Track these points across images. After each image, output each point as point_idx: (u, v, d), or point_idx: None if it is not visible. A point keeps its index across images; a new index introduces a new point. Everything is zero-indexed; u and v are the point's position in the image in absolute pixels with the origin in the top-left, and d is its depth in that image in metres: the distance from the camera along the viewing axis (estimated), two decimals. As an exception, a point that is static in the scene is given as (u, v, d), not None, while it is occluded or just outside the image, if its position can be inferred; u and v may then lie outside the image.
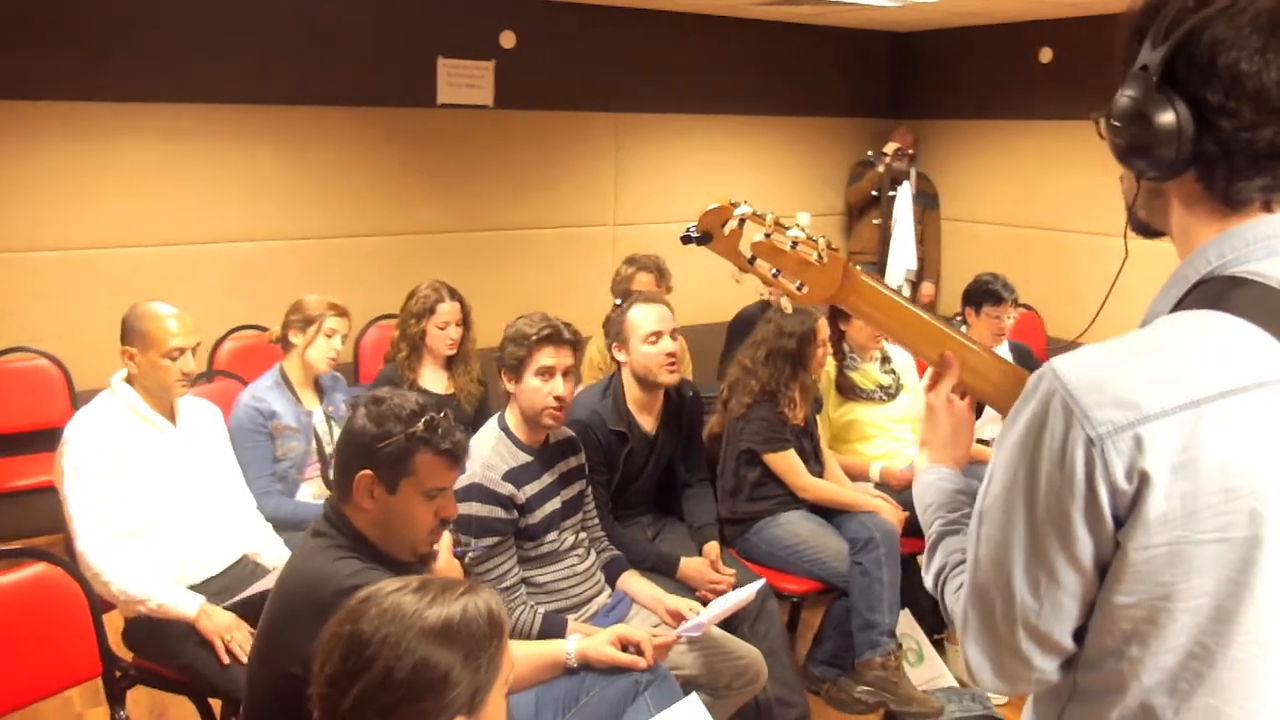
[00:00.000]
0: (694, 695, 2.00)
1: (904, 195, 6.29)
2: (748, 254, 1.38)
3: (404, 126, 5.11)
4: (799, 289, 1.38)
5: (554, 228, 5.68)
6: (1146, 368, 0.96)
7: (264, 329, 4.41)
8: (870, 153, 6.41)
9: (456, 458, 1.90)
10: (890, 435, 3.75)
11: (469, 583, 1.33)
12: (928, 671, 3.42)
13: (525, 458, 2.67)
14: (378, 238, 5.14)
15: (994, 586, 1.04)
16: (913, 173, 6.35)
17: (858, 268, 1.39)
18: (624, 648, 2.23)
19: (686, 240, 1.38)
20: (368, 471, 1.82)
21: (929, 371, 1.43)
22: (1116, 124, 1.03)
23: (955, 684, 3.44)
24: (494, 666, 1.26)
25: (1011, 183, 6.29)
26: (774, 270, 1.37)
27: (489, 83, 5.29)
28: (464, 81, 5.21)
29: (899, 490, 3.52)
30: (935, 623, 3.68)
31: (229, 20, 4.59)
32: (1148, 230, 1.14)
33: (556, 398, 2.61)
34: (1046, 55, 5.91)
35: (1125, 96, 1.02)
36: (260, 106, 4.73)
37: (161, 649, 2.61)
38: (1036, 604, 1.01)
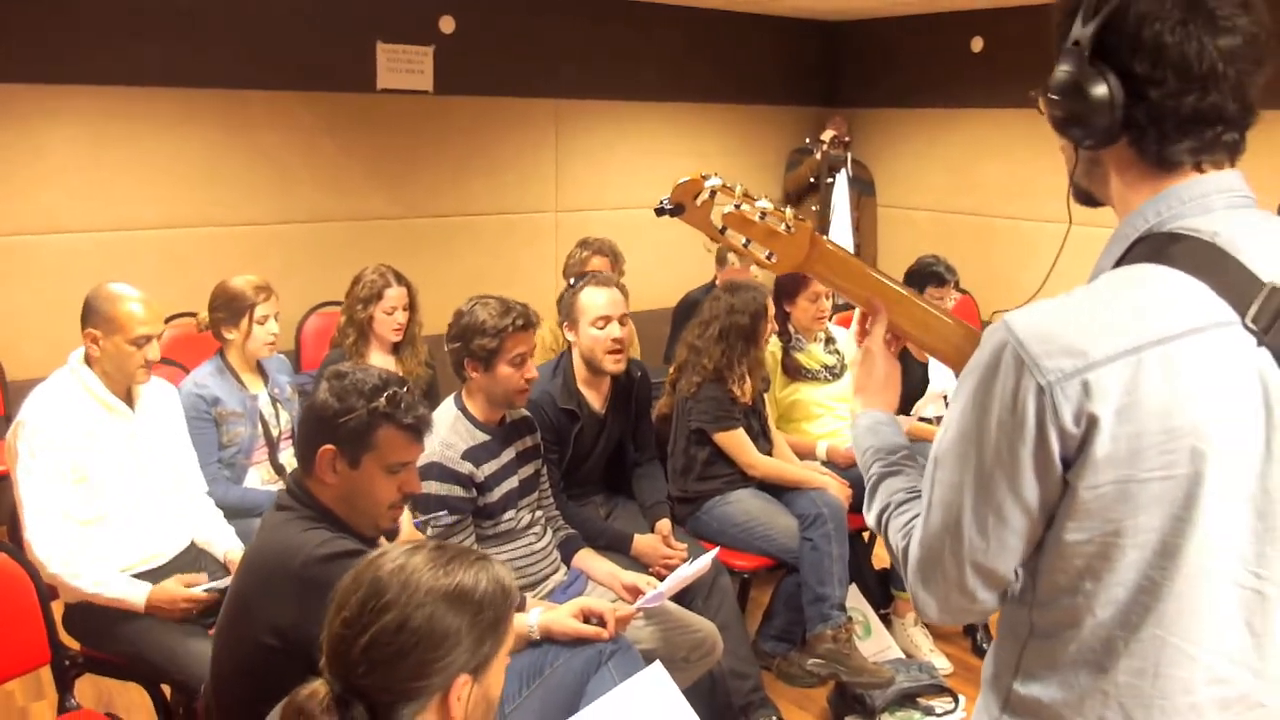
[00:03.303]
0: (657, 663, 2.03)
1: (841, 182, 6.39)
2: (718, 224, 1.41)
3: (343, 111, 5.06)
4: (768, 258, 1.42)
5: (495, 214, 5.67)
6: (1092, 318, 1.02)
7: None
8: (807, 140, 6.49)
9: (419, 432, 1.91)
10: (835, 415, 3.82)
11: (484, 553, 1.38)
12: (876, 644, 3.50)
13: (483, 436, 2.69)
14: (316, 224, 5.08)
15: (944, 527, 1.10)
16: (848, 160, 6.46)
17: (824, 236, 1.43)
18: (586, 620, 2.26)
19: (660, 212, 1.42)
20: (330, 446, 1.82)
21: (855, 317, 1.47)
22: (1054, 97, 1.09)
23: (902, 655, 3.53)
24: (499, 636, 1.33)
25: (943, 169, 6.44)
26: (744, 240, 1.41)
27: (429, 68, 5.26)
28: (404, 66, 5.17)
29: (845, 468, 3.59)
30: (882, 597, 3.77)
31: (159, 0, 4.49)
32: (1090, 199, 1.20)
33: (528, 380, 2.65)
34: (978, 44, 6.05)
35: (1061, 71, 1.08)
36: (196, 90, 4.64)
37: (106, 634, 2.56)
38: (984, 543, 1.08)
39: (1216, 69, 1.02)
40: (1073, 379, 0.99)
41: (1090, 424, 0.99)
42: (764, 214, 1.40)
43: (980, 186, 6.20)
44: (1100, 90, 1.05)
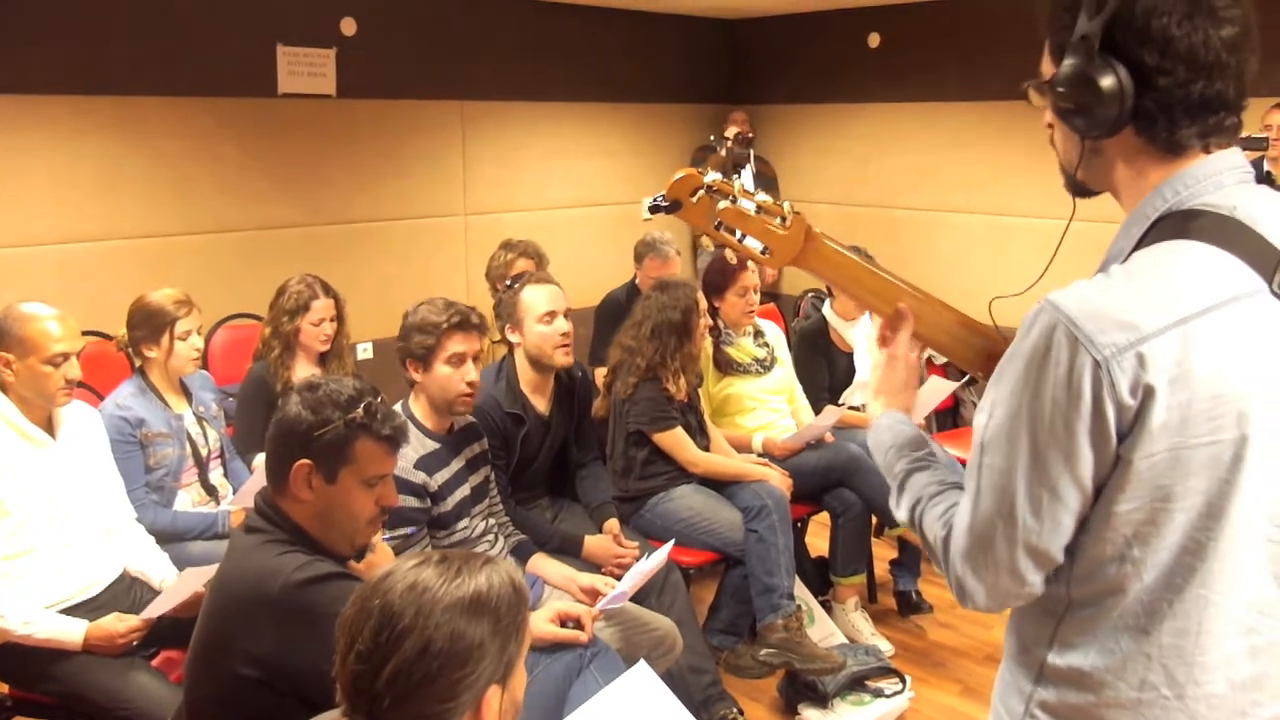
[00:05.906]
0: (642, 662, 2.01)
1: (746, 179, 6.46)
2: (714, 221, 1.41)
3: (245, 117, 4.88)
4: (764, 253, 1.43)
5: (404, 219, 5.56)
6: (1138, 293, 1.06)
7: (105, 335, 4.13)
8: (712, 137, 6.54)
9: (396, 443, 1.86)
10: (767, 407, 3.87)
11: (487, 554, 1.33)
12: (820, 631, 3.56)
13: (433, 445, 2.64)
14: (221, 234, 4.90)
15: (996, 513, 1.12)
16: (752, 156, 6.54)
17: (819, 231, 1.44)
18: (562, 624, 2.23)
19: (655, 209, 1.41)
20: (305, 461, 1.76)
21: (878, 324, 1.50)
22: (1063, 90, 1.13)
23: (846, 641, 3.60)
24: (521, 635, 1.28)
25: (845, 163, 6.57)
26: (740, 235, 1.42)
27: (331, 71, 5.12)
28: (305, 70, 5.02)
29: (781, 459, 3.64)
30: (820, 584, 3.83)
31: (46, 2, 4.26)
32: (1085, 191, 1.25)
33: (469, 384, 2.59)
34: (875, 40, 6.20)
35: (1069, 64, 1.12)
36: (90, 97, 4.42)
37: (38, 674, 2.43)
38: (1038, 524, 1.10)
39: (1220, 58, 1.08)
40: (1127, 352, 1.03)
41: (1146, 395, 1.03)
42: (759, 208, 1.40)
43: (881, 179, 6.36)
44: (1110, 81, 1.09)
